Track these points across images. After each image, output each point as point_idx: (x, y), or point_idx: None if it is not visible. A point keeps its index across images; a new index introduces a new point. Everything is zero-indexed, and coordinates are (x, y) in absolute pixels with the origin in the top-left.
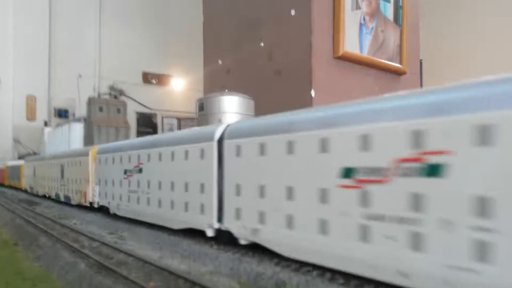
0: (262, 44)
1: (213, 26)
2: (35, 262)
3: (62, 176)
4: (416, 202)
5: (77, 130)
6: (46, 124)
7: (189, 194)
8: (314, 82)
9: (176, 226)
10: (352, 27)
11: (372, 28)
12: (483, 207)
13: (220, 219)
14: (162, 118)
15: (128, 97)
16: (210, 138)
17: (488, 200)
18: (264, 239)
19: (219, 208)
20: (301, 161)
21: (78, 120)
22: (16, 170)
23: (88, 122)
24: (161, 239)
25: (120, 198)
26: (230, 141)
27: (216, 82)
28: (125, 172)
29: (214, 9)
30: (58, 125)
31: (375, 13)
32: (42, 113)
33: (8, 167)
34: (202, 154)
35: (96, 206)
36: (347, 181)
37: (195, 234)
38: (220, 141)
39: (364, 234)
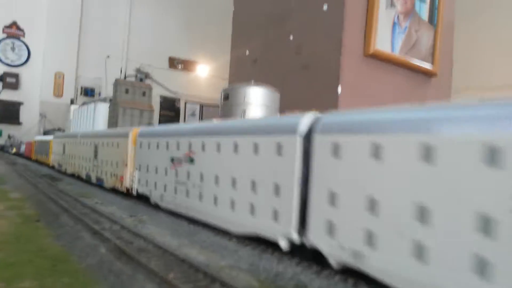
0: (291, 38)
1: (243, 16)
2: (56, 240)
3: (96, 156)
4: None
5: (102, 109)
6: (72, 102)
7: (257, 195)
8: (342, 80)
9: (237, 230)
10: (385, 26)
11: (406, 27)
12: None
13: (301, 231)
14: (185, 103)
15: (153, 80)
16: (291, 130)
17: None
18: (374, 268)
19: (300, 217)
20: (447, 174)
21: (104, 100)
22: (44, 145)
23: (113, 103)
24: (180, 227)
25: (165, 188)
26: (324, 137)
27: (242, 71)
28: (172, 160)
29: None
30: (84, 103)
31: (410, 13)
32: (69, 91)
33: (36, 141)
34: (279, 149)
35: (134, 193)
36: None
37: (215, 228)
38: (307, 136)
39: None
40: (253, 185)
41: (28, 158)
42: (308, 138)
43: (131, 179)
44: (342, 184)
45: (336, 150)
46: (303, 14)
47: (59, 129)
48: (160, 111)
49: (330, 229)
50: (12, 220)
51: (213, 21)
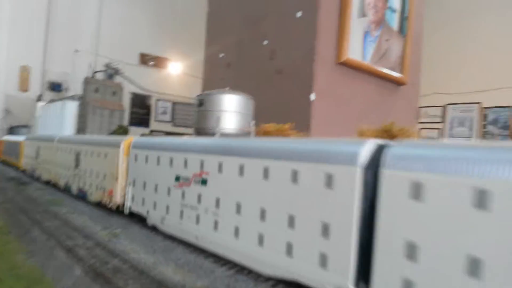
0: (265, 42)
1: (218, 17)
2: (29, 257)
3: (77, 165)
4: None
5: (71, 108)
6: (40, 98)
7: (296, 232)
8: (315, 86)
9: (266, 271)
10: (357, 34)
11: (377, 36)
12: None
13: (361, 285)
14: (156, 100)
15: (124, 77)
16: (349, 159)
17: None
18: None
19: (359, 267)
20: None
21: (72, 98)
22: (14, 146)
23: (82, 102)
24: (154, 242)
25: (167, 210)
26: (398, 173)
27: (216, 74)
28: (178, 179)
29: (220, 0)
30: (51, 100)
31: (380, 22)
32: (35, 85)
33: (4, 141)
34: (329, 180)
35: (126, 211)
36: None
37: (190, 245)
38: (372, 168)
39: None
40: (291, 220)
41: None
42: (370, 171)
43: (122, 194)
44: (426, 234)
45: (417, 192)
46: (277, 19)
47: (25, 126)
48: (131, 109)
49: None
50: None
51: (186, 18)
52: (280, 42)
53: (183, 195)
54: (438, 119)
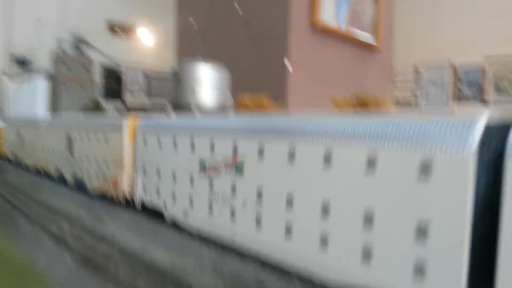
0: (236, 5)
1: None
2: (16, 245)
3: (70, 150)
4: None
5: (41, 86)
6: (5, 73)
7: (375, 234)
8: (289, 53)
9: (335, 278)
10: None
11: (349, 0)
12: None
13: None
14: (129, 73)
15: (93, 48)
16: (454, 142)
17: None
18: None
19: (473, 275)
20: None
21: (41, 73)
22: None
23: (53, 80)
24: (140, 225)
25: (191, 202)
26: None
27: (188, 43)
28: (203, 166)
29: None
30: (18, 74)
31: None
32: None
33: None
34: (423, 168)
35: (136, 204)
36: None
37: (177, 226)
38: (487, 153)
39: None
40: (368, 218)
41: None
42: (484, 156)
43: (130, 184)
44: None
45: None
46: None
47: None
48: (102, 82)
49: None
50: None
51: None
52: (253, 7)
53: (211, 185)
54: (411, 81)
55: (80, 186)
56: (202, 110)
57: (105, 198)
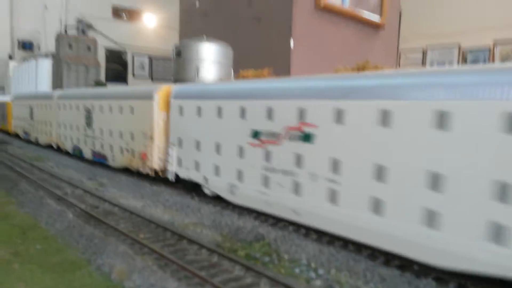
0: None
1: None
2: (20, 208)
3: (89, 124)
4: None
5: (45, 66)
6: (11, 57)
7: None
8: (294, 32)
9: (449, 264)
10: None
11: None
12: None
13: None
14: (133, 56)
15: (97, 32)
16: None
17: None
18: None
19: None
20: None
21: (46, 55)
22: None
23: (56, 59)
24: (142, 187)
25: (239, 176)
26: None
27: (192, 24)
28: (256, 135)
29: None
30: (24, 59)
31: None
32: (4, 45)
33: None
34: None
35: (171, 178)
36: None
37: (174, 184)
38: None
39: None
40: (500, 189)
41: None
42: None
43: (161, 158)
44: None
45: None
46: None
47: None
48: (106, 65)
49: None
50: None
51: None
52: None
53: (267, 156)
54: (418, 62)
55: (101, 161)
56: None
57: (130, 171)
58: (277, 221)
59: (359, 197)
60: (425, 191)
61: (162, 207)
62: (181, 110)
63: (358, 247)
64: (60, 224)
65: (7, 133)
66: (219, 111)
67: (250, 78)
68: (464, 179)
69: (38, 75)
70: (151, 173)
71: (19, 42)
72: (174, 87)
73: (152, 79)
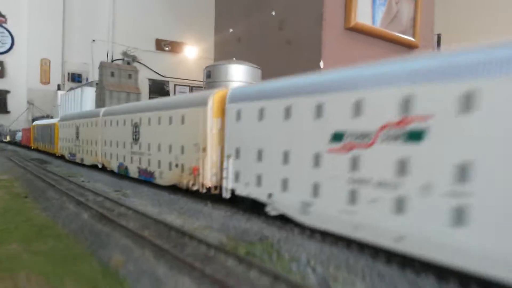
0: (273, 13)
1: None
2: (43, 212)
3: (136, 139)
4: None
5: (89, 94)
6: (59, 87)
7: None
8: (324, 53)
9: None
10: None
11: (386, 1)
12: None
13: None
14: (175, 86)
15: (141, 63)
16: None
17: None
18: None
19: None
20: None
21: (90, 84)
22: (46, 130)
23: (99, 87)
24: (161, 197)
25: (314, 192)
26: None
27: (226, 50)
28: (337, 137)
29: None
30: (71, 88)
31: None
32: (56, 77)
33: (35, 126)
34: None
35: (225, 195)
36: None
37: (194, 195)
38: None
39: None
40: None
41: (26, 147)
42: None
43: (215, 172)
44: None
45: None
46: None
47: (47, 116)
48: (149, 95)
49: None
50: (1, 197)
51: (199, 1)
52: (288, 11)
53: (354, 164)
54: None
55: (148, 180)
56: None
57: (179, 189)
58: (284, 224)
59: (504, 217)
60: None
61: (176, 213)
62: (238, 115)
63: (361, 247)
64: (75, 224)
65: (53, 155)
66: (287, 112)
67: None
68: None
69: (83, 102)
70: (202, 190)
71: (69, 75)
72: (230, 90)
73: None
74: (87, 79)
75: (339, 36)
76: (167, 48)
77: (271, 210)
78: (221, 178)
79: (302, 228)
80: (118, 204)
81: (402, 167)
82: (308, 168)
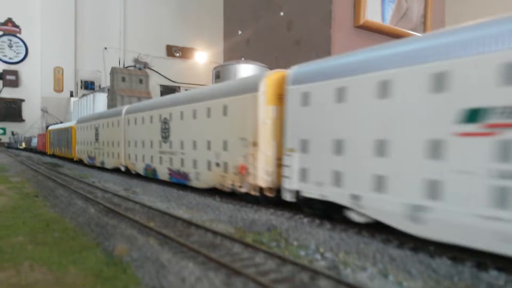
0: (281, 14)
1: None
2: (51, 209)
3: (166, 137)
4: None
5: (101, 99)
6: (72, 94)
7: None
8: (334, 52)
9: None
10: None
11: None
12: None
13: None
14: (186, 90)
15: (152, 69)
16: None
17: None
18: None
19: None
20: None
21: (102, 90)
22: (63, 135)
23: (111, 92)
24: (169, 193)
25: (432, 192)
26: None
27: (235, 53)
28: (474, 116)
29: None
30: (83, 95)
31: None
32: (69, 85)
33: (51, 131)
34: None
35: (287, 197)
36: None
37: (203, 190)
38: None
39: None
40: None
41: (42, 153)
42: None
43: (269, 171)
44: None
45: None
46: None
47: (60, 123)
48: None
49: None
50: (12, 197)
51: (208, 7)
52: (297, 12)
53: (503, 151)
54: None
55: (182, 182)
56: None
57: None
58: (293, 215)
59: None
60: None
61: (184, 208)
62: (306, 99)
63: (372, 233)
64: (82, 218)
65: (71, 160)
66: (383, 88)
67: None
68: None
69: (95, 107)
70: (254, 192)
71: (82, 82)
72: (292, 70)
73: None
74: (99, 86)
75: (349, 34)
76: (177, 54)
77: (357, 216)
78: (279, 177)
79: (311, 217)
80: (126, 199)
81: None
82: (419, 159)
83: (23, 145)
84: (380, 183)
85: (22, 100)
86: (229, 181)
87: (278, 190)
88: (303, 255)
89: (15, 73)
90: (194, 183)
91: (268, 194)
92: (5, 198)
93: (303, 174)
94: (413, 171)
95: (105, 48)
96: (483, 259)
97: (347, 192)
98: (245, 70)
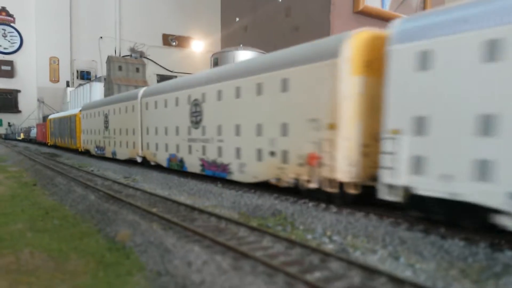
0: (280, 0)
1: None
2: (50, 196)
3: (196, 123)
4: None
5: (97, 88)
6: (68, 84)
7: None
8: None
9: None
10: None
11: None
12: None
13: None
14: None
15: (148, 59)
16: None
17: None
18: None
19: None
20: None
21: (99, 79)
22: (65, 124)
23: (108, 81)
24: (170, 180)
25: None
26: None
27: (233, 40)
28: None
29: None
30: (80, 85)
31: None
32: (65, 75)
33: (51, 120)
34: None
35: (386, 196)
36: None
37: (204, 176)
38: None
39: None
40: None
41: (42, 144)
42: None
43: (353, 161)
44: None
45: None
46: None
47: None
48: None
49: None
50: (10, 186)
51: None
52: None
53: None
54: None
55: (219, 175)
56: None
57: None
58: (298, 199)
59: None
60: None
61: (186, 195)
62: (425, 60)
63: (380, 216)
64: (82, 205)
65: (76, 151)
66: None
67: None
68: None
69: (92, 97)
70: (330, 188)
71: (78, 72)
72: (398, 23)
73: None
74: (96, 76)
75: (348, 20)
76: (174, 43)
77: (505, 222)
78: (365, 170)
79: (316, 201)
80: (126, 186)
81: None
82: None
83: (22, 136)
84: None
85: (18, 91)
86: (291, 174)
87: (362, 186)
88: (311, 238)
89: (10, 63)
90: (237, 176)
91: (351, 190)
92: (3, 187)
93: (417, 164)
94: None
95: (101, 37)
96: (496, 240)
97: (502, 190)
98: (244, 56)
